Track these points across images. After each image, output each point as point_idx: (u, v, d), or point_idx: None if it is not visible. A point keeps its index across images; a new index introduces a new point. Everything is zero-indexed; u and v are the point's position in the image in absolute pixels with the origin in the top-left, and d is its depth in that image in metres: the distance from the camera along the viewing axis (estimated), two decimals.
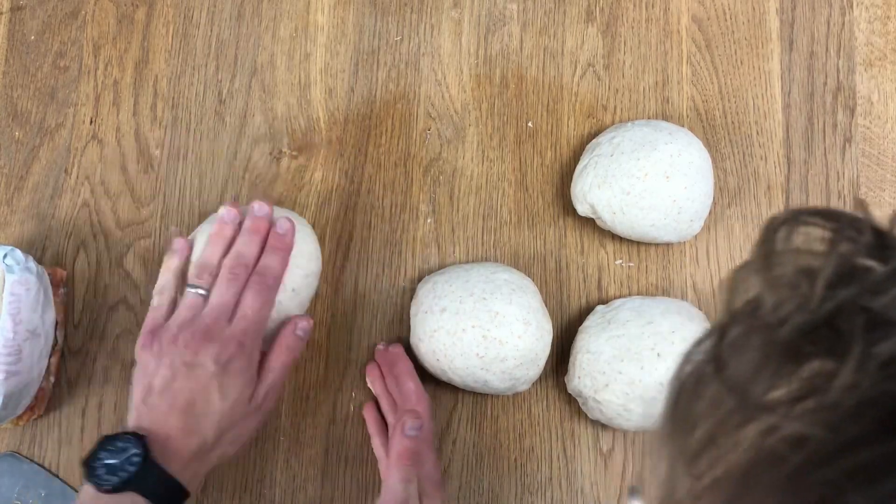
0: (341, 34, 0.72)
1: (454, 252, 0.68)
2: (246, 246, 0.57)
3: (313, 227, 0.68)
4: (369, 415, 0.65)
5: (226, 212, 0.58)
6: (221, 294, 0.55)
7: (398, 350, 0.64)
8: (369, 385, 0.65)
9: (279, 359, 0.57)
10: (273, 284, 0.57)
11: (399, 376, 0.62)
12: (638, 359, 0.60)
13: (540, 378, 0.66)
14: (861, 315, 0.23)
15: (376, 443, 0.63)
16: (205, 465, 0.53)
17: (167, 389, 0.52)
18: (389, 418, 0.63)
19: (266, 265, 0.57)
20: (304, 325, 0.58)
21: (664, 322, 0.61)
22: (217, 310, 0.55)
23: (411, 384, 0.62)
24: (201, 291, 0.56)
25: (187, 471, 0.51)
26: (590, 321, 0.64)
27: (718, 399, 0.25)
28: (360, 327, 0.67)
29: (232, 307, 0.55)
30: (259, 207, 0.59)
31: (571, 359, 0.63)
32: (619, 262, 0.68)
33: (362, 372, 0.66)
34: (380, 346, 0.66)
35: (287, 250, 0.59)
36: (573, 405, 0.65)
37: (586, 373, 0.61)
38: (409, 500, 0.55)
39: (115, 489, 0.48)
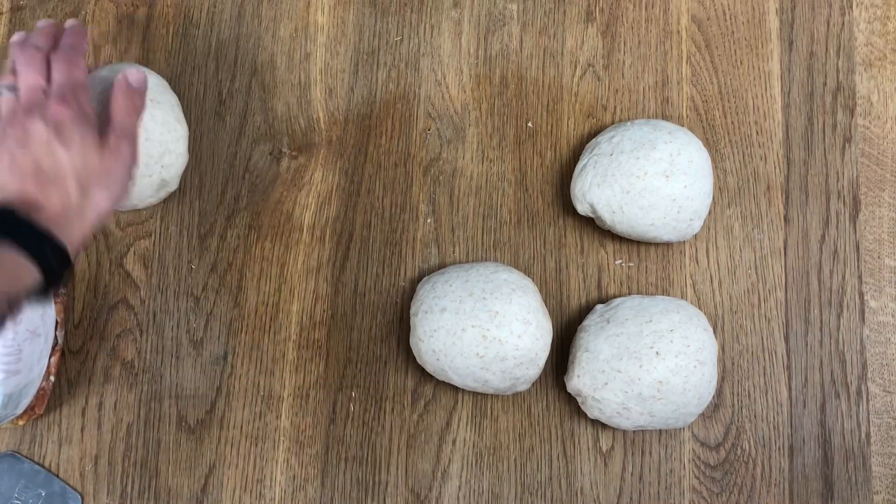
0: (341, 34, 0.72)
1: (454, 252, 0.68)
2: (36, 37, 0.57)
3: (313, 227, 0.68)
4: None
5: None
6: (25, 77, 0.54)
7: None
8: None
9: (118, 104, 0.55)
10: (77, 54, 0.56)
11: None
12: (637, 357, 0.60)
13: (540, 378, 0.66)
14: None
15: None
16: (82, 223, 0.52)
17: (11, 164, 0.51)
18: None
19: (65, 43, 0.57)
20: (135, 75, 0.57)
21: (663, 321, 0.61)
22: (28, 90, 0.54)
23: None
24: (6, 90, 0.54)
25: (61, 229, 0.50)
26: (589, 320, 0.64)
27: None
28: (360, 327, 0.67)
29: (42, 85, 0.54)
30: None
31: (571, 357, 0.63)
32: (618, 261, 0.68)
33: (362, 371, 0.66)
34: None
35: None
36: (573, 405, 0.65)
37: (585, 371, 0.61)
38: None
39: None
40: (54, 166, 0.52)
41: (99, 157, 0.53)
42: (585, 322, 0.64)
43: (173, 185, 0.66)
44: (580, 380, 0.62)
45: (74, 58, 0.56)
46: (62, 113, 0.53)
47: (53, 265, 0.49)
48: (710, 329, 0.63)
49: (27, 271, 0.48)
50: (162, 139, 0.63)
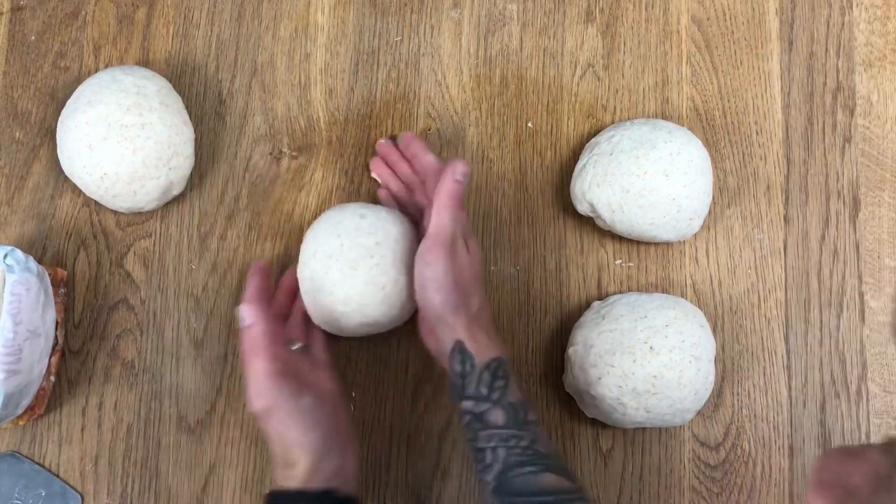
0: (341, 34, 0.72)
1: None
2: None
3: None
4: (384, 194, 0.68)
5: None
6: None
7: (409, 134, 0.67)
8: (375, 175, 0.68)
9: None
10: None
11: (416, 154, 0.65)
12: (630, 352, 0.60)
13: (539, 378, 0.66)
14: None
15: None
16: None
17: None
18: (402, 195, 0.66)
19: None
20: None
21: (658, 316, 0.61)
22: None
23: (430, 157, 0.64)
24: None
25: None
26: (585, 317, 0.64)
27: None
28: None
29: None
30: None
31: (566, 354, 0.63)
32: (618, 261, 0.68)
33: (362, 371, 0.66)
34: (382, 141, 0.69)
35: None
36: (572, 405, 0.65)
37: (579, 367, 0.61)
38: (456, 240, 0.57)
39: None
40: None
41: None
42: (582, 318, 0.64)
43: (180, 188, 0.66)
44: (574, 376, 0.62)
45: None
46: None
47: None
48: (708, 326, 0.63)
49: None
50: (170, 142, 0.63)
